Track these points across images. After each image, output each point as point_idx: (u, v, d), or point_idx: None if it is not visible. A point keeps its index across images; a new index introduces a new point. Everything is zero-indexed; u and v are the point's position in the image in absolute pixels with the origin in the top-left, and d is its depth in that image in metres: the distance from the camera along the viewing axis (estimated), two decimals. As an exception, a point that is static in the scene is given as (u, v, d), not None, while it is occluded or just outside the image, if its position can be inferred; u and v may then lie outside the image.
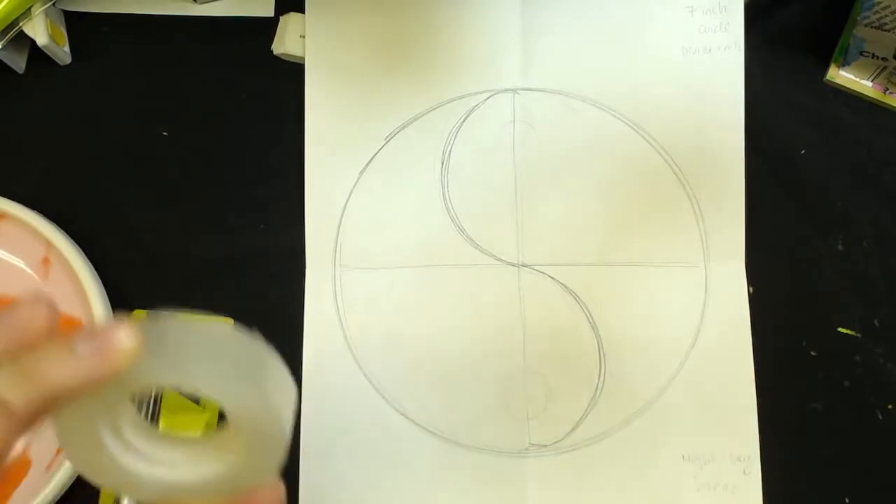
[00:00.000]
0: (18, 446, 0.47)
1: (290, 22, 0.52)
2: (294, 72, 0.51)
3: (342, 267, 0.50)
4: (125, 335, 0.26)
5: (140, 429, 0.29)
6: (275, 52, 0.52)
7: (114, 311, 0.47)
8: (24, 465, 0.47)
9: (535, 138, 0.50)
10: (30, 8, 0.49)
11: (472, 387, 0.48)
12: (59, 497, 0.45)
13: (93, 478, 0.29)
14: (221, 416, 0.47)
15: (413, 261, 0.49)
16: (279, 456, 0.29)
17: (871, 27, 0.48)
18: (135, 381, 0.27)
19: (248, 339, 0.28)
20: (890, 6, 0.46)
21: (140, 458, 0.29)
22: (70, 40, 0.53)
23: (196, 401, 0.48)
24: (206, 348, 0.28)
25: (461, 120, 0.51)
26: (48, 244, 0.48)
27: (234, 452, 0.29)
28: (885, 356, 0.49)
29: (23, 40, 0.51)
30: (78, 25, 0.53)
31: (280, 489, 0.30)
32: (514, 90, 0.51)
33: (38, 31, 0.50)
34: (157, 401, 0.48)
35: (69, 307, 0.48)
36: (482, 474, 0.47)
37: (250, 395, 0.27)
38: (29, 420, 0.25)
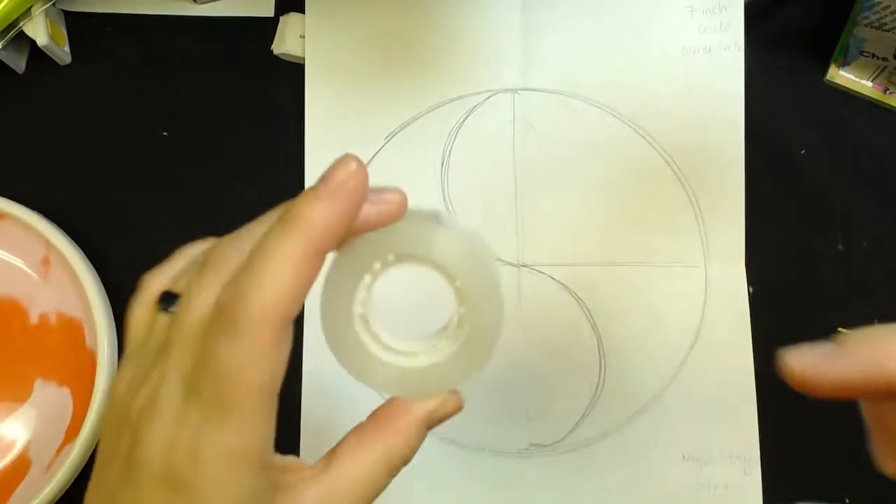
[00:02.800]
0: (18, 446, 0.47)
1: (290, 22, 0.52)
2: (294, 72, 0.51)
3: (342, 267, 0.50)
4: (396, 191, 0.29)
5: (380, 317, 0.31)
6: (275, 52, 0.52)
7: (114, 312, 0.47)
8: (24, 465, 0.47)
9: (536, 138, 0.50)
10: (30, 8, 0.49)
11: (471, 386, 0.48)
12: (59, 497, 0.45)
13: (340, 356, 0.30)
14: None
15: (413, 261, 0.49)
16: (493, 344, 0.30)
17: (871, 27, 0.48)
18: (393, 243, 0.29)
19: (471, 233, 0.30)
20: (890, 6, 0.46)
21: (380, 345, 0.30)
22: (70, 40, 0.53)
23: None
24: (448, 226, 0.30)
25: (461, 120, 0.51)
26: (48, 244, 0.48)
27: (458, 341, 0.30)
28: (885, 356, 0.49)
29: (23, 40, 0.51)
30: (78, 25, 0.53)
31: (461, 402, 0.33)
32: (514, 90, 0.51)
33: (38, 31, 0.50)
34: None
35: (69, 307, 0.48)
36: (482, 474, 0.47)
37: (483, 274, 0.29)
38: (328, 237, 0.26)
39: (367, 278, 0.30)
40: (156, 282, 0.31)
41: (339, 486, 0.29)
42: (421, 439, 0.31)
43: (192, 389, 0.25)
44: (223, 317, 0.25)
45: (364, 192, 0.27)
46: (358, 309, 0.30)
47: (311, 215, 0.26)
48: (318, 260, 0.26)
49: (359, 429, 0.31)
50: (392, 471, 0.30)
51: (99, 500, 0.28)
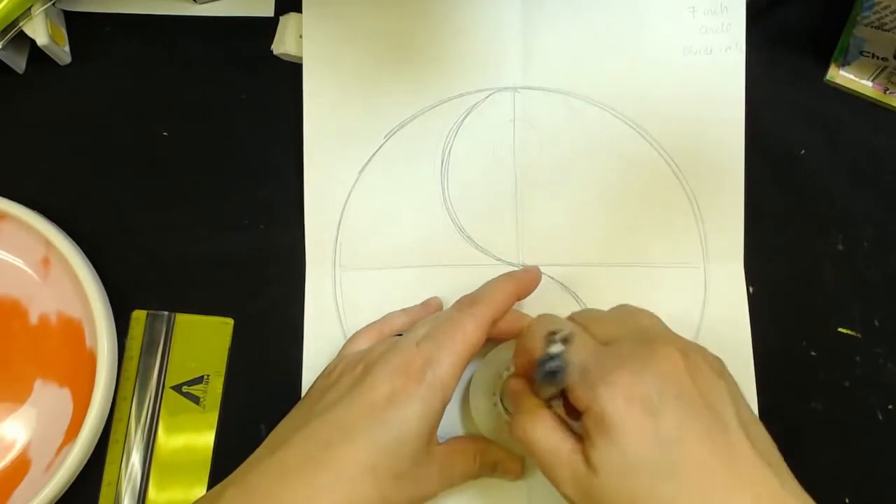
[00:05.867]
0: (18, 446, 0.47)
1: (290, 22, 0.52)
2: (294, 72, 0.51)
3: (342, 267, 0.50)
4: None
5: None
6: (275, 52, 0.52)
7: (114, 312, 0.47)
8: (24, 465, 0.47)
9: (536, 137, 0.50)
10: (30, 8, 0.49)
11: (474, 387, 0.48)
12: (59, 497, 0.45)
13: (480, 421, 0.45)
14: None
15: (413, 261, 0.49)
16: None
17: (871, 27, 0.48)
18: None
19: None
20: (890, 6, 0.46)
21: (505, 417, 0.45)
22: (70, 40, 0.53)
23: (196, 400, 0.48)
24: None
25: (461, 118, 0.51)
26: (48, 244, 0.48)
27: None
28: (885, 356, 0.49)
29: (23, 40, 0.51)
30: (78, 25, 0.53)
31: None
32: (515, 88, 0.51)
33: (38, 31, 0.50)
34: (158, 401, 0.48)
35: (69, 307, 0.48)
36: (483, 480, 0.47)
37: None
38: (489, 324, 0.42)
39: (500, 379, 0.45)
40: (369, 331, 0.46)
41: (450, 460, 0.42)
42: (485, 468, 0.44)
43: (427, 336, 0.40)
44: (468, 306, 0.42)
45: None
46: (494, 396, 0.45)
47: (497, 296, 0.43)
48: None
49: (463, 437, 0.46)
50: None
51: (309, 412, 0.40)
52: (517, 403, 0.40)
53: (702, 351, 0.37)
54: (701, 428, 0.33)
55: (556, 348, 0.35)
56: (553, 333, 0.36)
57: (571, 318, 0.41)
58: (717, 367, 0.37)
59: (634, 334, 0.38)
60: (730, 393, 0.35)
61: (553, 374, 0.35)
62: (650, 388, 0.34)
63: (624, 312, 0.41)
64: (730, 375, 0.37)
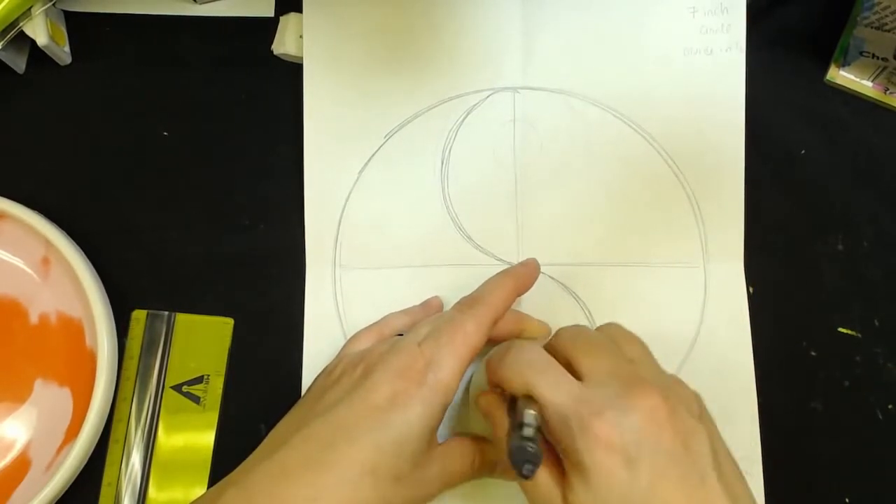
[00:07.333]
0: (18, 446, 0.47)
1: (290, 22, 0.52)
2: (294, 72, 0.51)
3: (342, 267, 0.50)
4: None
5: None
6: (275, 52, 0.52)
7: (114, 312, 0.47)
8: (24, 465, 0.47)
9: (536, 137, 0.50)
10: (30, 8, 0.49)
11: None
12: (59, 497, 0.45)
13: (479, 423, 0.44)
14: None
15: (413, 260, 0.49)
16: None
17: (871, 27, 0.48)
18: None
19: None
20: (890, 6, 0.46)
21: None
22: (70, 40, 0.53)
23: (196, 400, 0.48)
24: None
25: (461, 118, 0.51)
26: (48, 244, 0.48)
27: None
28: (885, 356, 0.49)
29: (23, 40, 0.51)
30: (78, 25, 0.53)
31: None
32: (515, 89, 0.51)
33: (38, 31, 0.50)
34: (158, 401, 0.48)
35: (69, 307, 0.48)
36: (484, 482, 0.47)
37: None
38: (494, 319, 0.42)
39: None
40: (371, 332, 0.46)
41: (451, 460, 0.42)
42: (485, 468, 0.43)
43: (429, 337, 0.40)
44: (469, 307, 0.42)
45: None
46: None
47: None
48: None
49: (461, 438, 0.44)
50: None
51: (309, 412, 0.40)
52: (494, 425, 0.40)
53: (682, 391, 0.38)
54: (677, 477, 0.34)
55: (527, 432, 0.36)
56: (521, 426, 0.36)
57: (553, 345, 0.41)
58: (696, 409, 0.37)
59: (617, 369, 0.38)
60: (709, 437, 0.36)
61: (529, 467, 0.36)
62: (629, 438, 0.34)
63: (610, 337, 0.41)
64: (708, 416, 0.38)
